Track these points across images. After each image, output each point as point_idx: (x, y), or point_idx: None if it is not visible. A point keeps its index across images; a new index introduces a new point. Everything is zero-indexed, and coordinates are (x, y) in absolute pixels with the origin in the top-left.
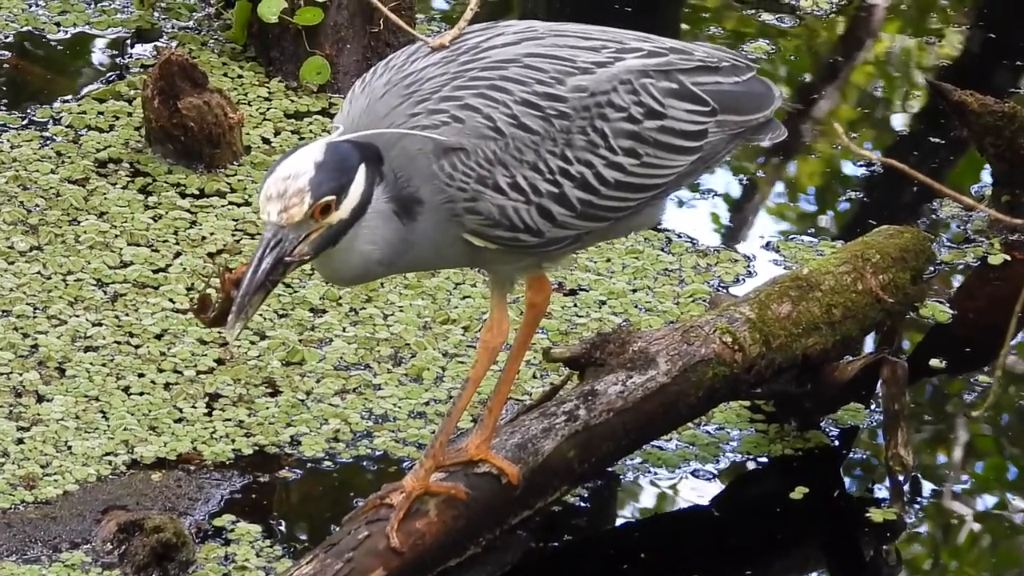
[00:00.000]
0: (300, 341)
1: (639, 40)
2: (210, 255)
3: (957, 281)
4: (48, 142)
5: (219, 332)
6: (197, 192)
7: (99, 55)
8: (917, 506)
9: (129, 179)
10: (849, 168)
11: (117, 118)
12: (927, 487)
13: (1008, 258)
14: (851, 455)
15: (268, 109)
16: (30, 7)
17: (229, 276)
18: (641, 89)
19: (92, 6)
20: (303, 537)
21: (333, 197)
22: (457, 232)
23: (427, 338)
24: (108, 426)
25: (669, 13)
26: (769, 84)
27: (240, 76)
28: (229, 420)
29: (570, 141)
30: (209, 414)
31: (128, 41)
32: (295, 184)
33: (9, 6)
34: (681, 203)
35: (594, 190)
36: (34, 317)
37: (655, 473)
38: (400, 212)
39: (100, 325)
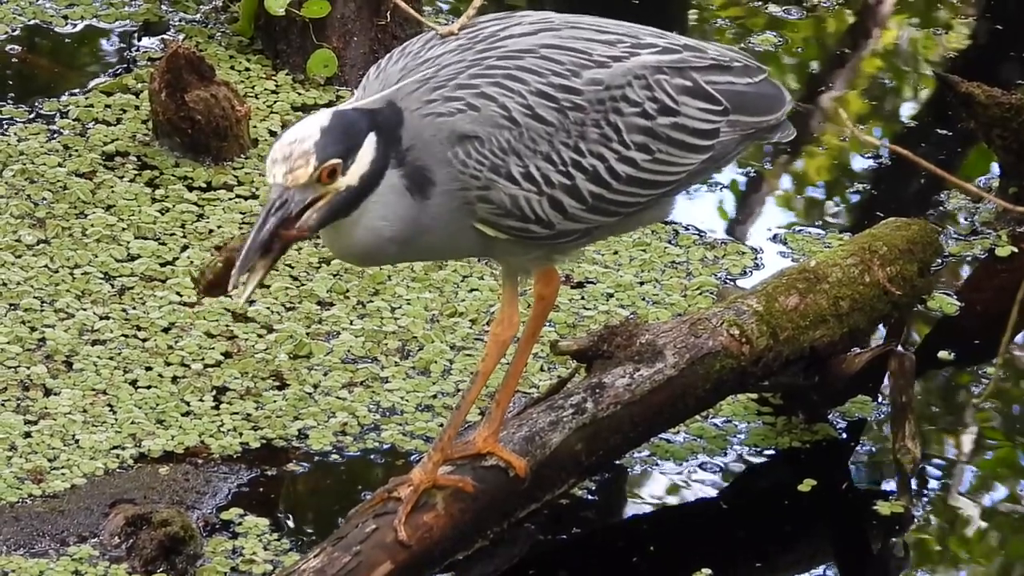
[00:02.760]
0: (307, 334)
1: (654, 36)
2: (217, 248)
3: (965, 273)
4: (55, 135)
5: (221, 299)
6: (204, 185)
7: (106, 48)
8: (925, 498)
9: (136, 172)
10: (856, 160)
11: (124, 111)
12: (935, 479)
13: (1016, 250)
14: (859, 447)
15: (275, 102)
16: (38, 0)
17: (228, 244)
18: (655, 85)
19: None
20: (310, 530)
21: (339, 160)
22: (469, 221)
23: (435, 331)
24: (115, 420)
25: (677, 5)
26: (780, 87)
27: (247, 69)
28: (236, 413)
29: (584, 134)
30: (216, 407)
31: (135, 34)
32: (300, 147)
33: None
34: (689, 195)
35: (606, 184)
36: (41, 310)
37: (663, 466)
38: (412, 188)
39: (107, 318)
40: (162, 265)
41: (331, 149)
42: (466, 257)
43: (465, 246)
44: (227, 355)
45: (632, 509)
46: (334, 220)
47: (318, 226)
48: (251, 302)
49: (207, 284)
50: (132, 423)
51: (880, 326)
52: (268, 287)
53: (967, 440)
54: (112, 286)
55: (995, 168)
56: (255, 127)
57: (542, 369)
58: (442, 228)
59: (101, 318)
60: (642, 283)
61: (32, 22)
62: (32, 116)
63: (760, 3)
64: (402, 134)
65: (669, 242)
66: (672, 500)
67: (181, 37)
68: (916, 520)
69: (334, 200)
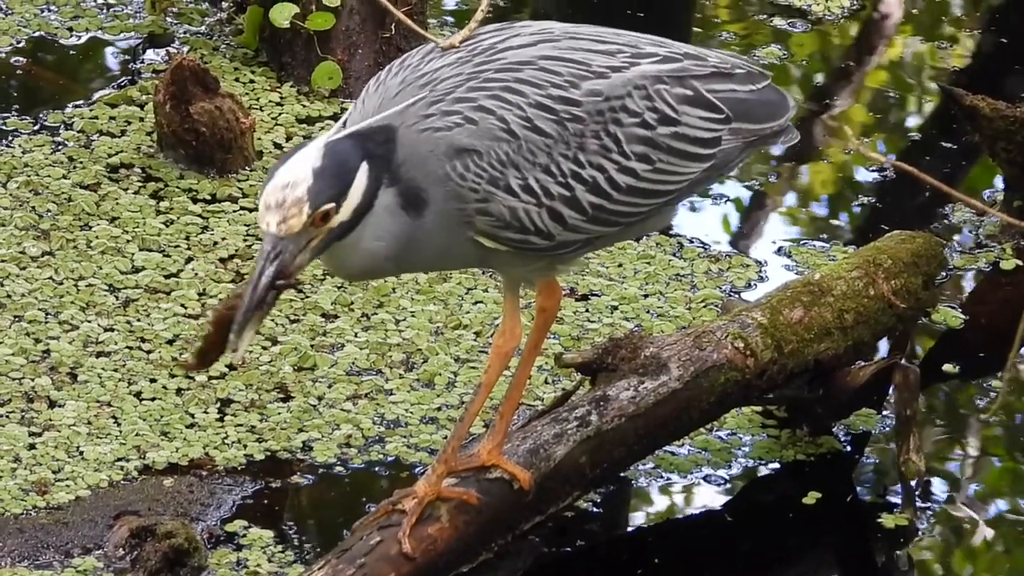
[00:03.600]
0: (312, 346)
1: (654, 45)
2: (222, 260)
3: (969, 286)
4: (60, 147)
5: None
6: (209, 197)
7: (111, 60)
8: (929, 511)
9: (141, 184)
10: (861, 173)
11: (129, 123)
12: (939, 492)
13: (1020, 263)
14: (863, 460)
15: (280, 114)
16: (42, 12)
17: (215, 313)
18: (655, 95)
19: (104, 11)
20: (315, 543)
21: (332, 204)
22: (467, 233)
23: (439, 343)
24: (120, 431)
25: (681, 18)
26: (784, 93)
27: (252, 81)
28: (241, 425)
29: (583, 145)
30: (221, 419)
31: (140, 46)
32: (293, 193)
33: (22, 11)
34: (693, 208)
35: (606, 195)
36: (46, 322)
37: (667, 478)
38: (406, 205)
39: (112, 330)
40: (166, 277)
41: (325, 194)
42: (465, 268)
43: (462, 257)
44: (231, 367)
45: (636, 522)
46: (327, 250)
47: (309, 262)
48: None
49: (201, 356)
50: (136, 435)
51: (884, 339)
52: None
53: (971, 453)
54: (116, 298)
55: (999, 181)
56: (260, 139)
57: (547, 382)
58: (438, 242)
59: (105, 330)
60: (647, 296)
61: (37, 34)
62: (37, 128)
63: (765, 16)
64: (394, 154)
65: (674, 255)
66: (677, 513)
67: (186, 49)
68: (920, 533)
69: (327, 238)
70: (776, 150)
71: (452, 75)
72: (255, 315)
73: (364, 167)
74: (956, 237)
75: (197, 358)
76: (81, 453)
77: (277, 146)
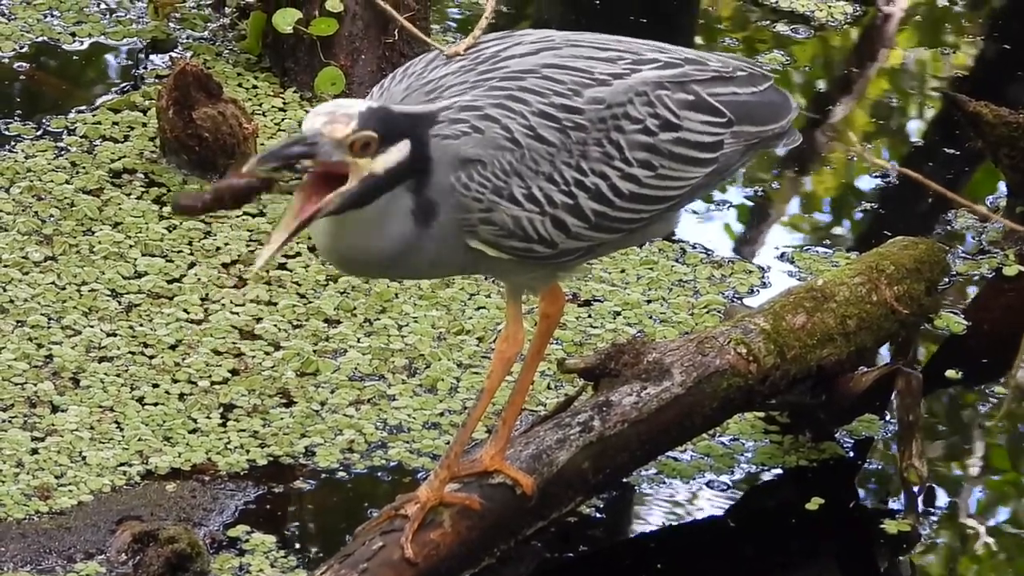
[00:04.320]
0: (315, 352)
1: (655, 51)
2: (224, 266)
3: (972, 292)
4: (63, 152)
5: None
6: None
7: (114, 66)
8: (932, 517)
9: (144, 189)
10: (864, 179)
11: (132, 128)
12: (942, 498)
13: (1023, 269)
14: (866, 466)
15: (283, 119)
16: (45, 17)
17: (219, 183)
18: (657, 101)
19: (107, 17)
20: (317, 548)
21: (376, 135)
22: (469, 242)
23: (442, 349)
24: (123, 436)
25: (684, 24)
26: (786, 94)
27: (255, 87)
28: (244, 431)
29: (586, 153)
30: (224, 425)
31: (143, 52)
32: (345, 110)
33: (24, 16)
34: (696, 214)
35: (609, 202)
36: (48, 327)
37: (670, 484)
38: (418, 213)
39: (114, 335)
40: (169, 282)
41: (372, 123)
42: (454, 275)
43: (460, 265)
44: (234, 372)
45: (639, 527)
46: (347, 210)
47: (337, 210)
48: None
49: (182, 202)
50: (139, 440)
51: (887, 345)
52: (275, 304)
53: (974, 459)
54: (119, 303)
55: (1002, 187)
56: (263, 145)
57: (549, 387)
58: (435, 250)
59: (108, 335)
60: (649, 301)
61: (40, 39)
62: (39, 133)
63: (767, 22)
64: (431, 161)
65: (676, 260)
66: (679, 518)
67: (189, 55)
68: (923, 539)
69: (356, 186)
70: (779, 155)
71: (456, 83)
72: (275, 233)
73: (407, 143)
74: (959, 243)
75: (179, 203)
76: (84, 458)
77: None
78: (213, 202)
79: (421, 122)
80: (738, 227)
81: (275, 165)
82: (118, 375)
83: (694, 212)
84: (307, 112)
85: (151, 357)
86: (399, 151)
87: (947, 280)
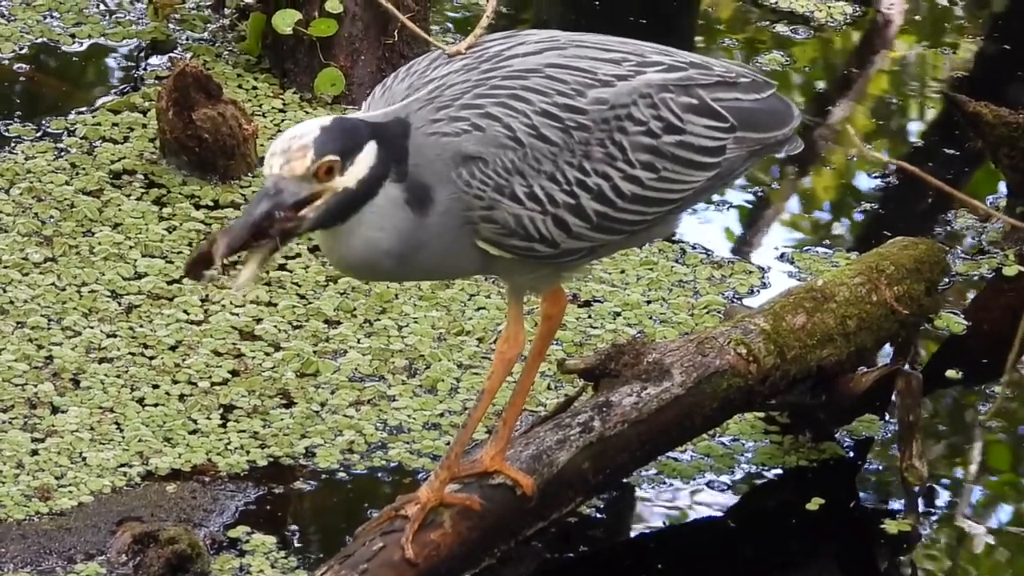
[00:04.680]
0: (315, 352)
1: (659, 53)
2: (225, 267)
3: (972, 293)
4: (63, 154)
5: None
6: (211, 203)
7: (114, 67)
8: (932, 518)
9: (143, 190)
10: (863, 179)
11: (132, 129)
12: (942, 499)
13: (1023, 269)
14: (866, 466)
15: (282, 120)
16: (45, 19)
17: (211, 236)
18: (661, 103)
19: (107, 18)
20: (318, 548)
21: (336, 158)
22: (471, 240)
23: (442, 349)
24: (123, 437)
25: (684, 25)
26: (789, 102)
27: (254, 87)
28: (244, 431)
29: (588, 153)
30: (224, 425)
31: (142, 53)
32: (299, 142)
33: (24, 18)
34: (696, 215)
35: (610, 203)
36: (48, 328)
37: (670, 484)
38: (412, 203)
39: (114, 336)
40: (169, 283)
41: (330, 146)
42: (467, 275)
43: (465, 264)
44: (234, 373)
45: (639, 527)
46: (331, 224)
47: (314, 226)
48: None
49: (190, 262)
50: (139, 441)
51: (887, 345)
52: (275, 305)
53: (974, 459)
54: (119, 304)
55: (1002, 188)
56: (262, 145)
57: (549, 387)
58: (441, 246)
59: (108, 336)
60: (649, 302)
61: (39, 40)
62: (39, 134)
63: (767, 23)
64: (407, 149)
65: (676, 261)
66: (679, 519)
67: (188, 56)
68: (923, 539)
69: (331, 201)
70: (779, 156)
71: (459, 82)
72: (254, 250)
73: (373, 144)
74: (959, 243)
75: (187, 263)
76: (84, 459)
77: None
78: (205, 263)
79: (391, 123)
80: (738, 228)
81: (248, 237)
82: (118, 376)
83: (694, 213)
84: (307, 114)
85: (151, 358)
86: (366, 157)
87: (947, 280)
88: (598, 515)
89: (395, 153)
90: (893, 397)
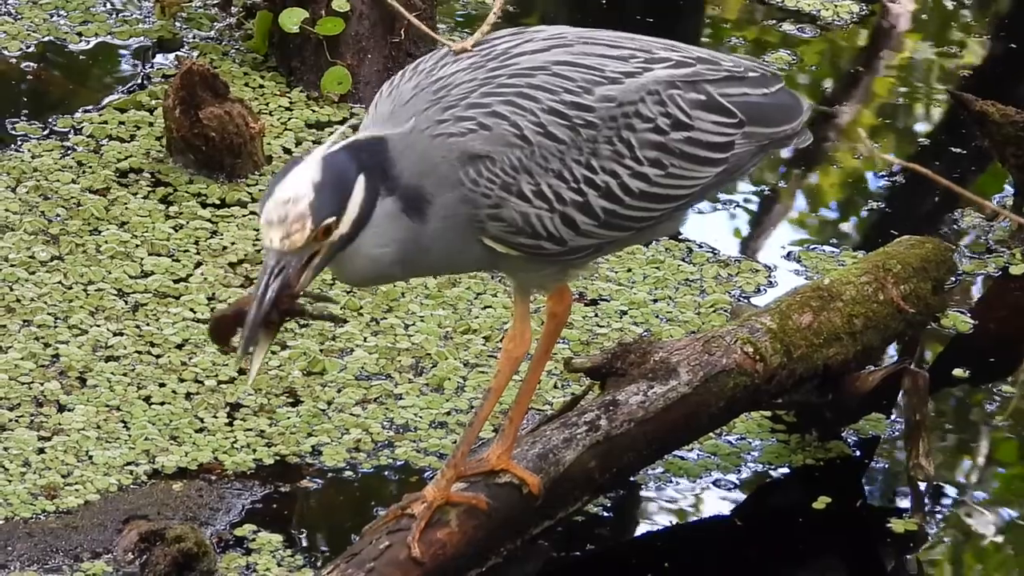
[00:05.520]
0: (321, 351)
1: (667, 49)
2: (231, 265)
3: (978, 291)
4: (69, 152)
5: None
6: (218, 202)
7: (120, 65)
8: (939, 516)
9: (150, 189)
10: (870, 179)
11: (138, 128)
12: (949, 497)
13: None
14: (873, 465)
15: (289, 119)
16: (52, 17)
17: (218, 314)
18: (668, 100)
19: (113, 16)
20: (324, 547)
21: (334, 218)
22: (477, 237)
23: (448, 348)
24: (129, 436)
25: (691, 23)
26: (797, 96)
27: (261, 86)
28: (250, 430)
29: (596, 150)
30: (230, 424)
31: (149, 51)
32: (296, 209)
33: (31, 16)
34: (702, 214)
35: (618, 200)
36: (55, 327)
37: (677, 483)
38: (409, 211)
39: (121, 335)
40: (176, 282)
41: (327, 209)
42: (474, 271)
43: (472, 262)
44: (241, 372)
45: (646, 526)
46: (332, 262)
47: (313, 278)
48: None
49: (215, 334)
50: (146, 439)
51: (894, 344)
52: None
53: (981, 458)
54: (126, 302)
55: (1008, 187)
56: (269, 144)
57: (556, 386)
58: (445, 247)
59: (115, 334)
60: (656, 301)
61: (46, 39)
62: (46, 133)
63: (774, 21)
64: (390, 164)
65: (683, 260)
66: (686, 517)
67: (195, 54)
68: (930, 538)
69: (329, 252)
70: (786, 154)
71: (465, 80)
72: (262, 337)
73: (361, 180)
74: (965, 242)
75: (212, 325)
76: (90, 457)
77: (287, 151)
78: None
79: (367, 144)
80: (745, 226)
81: (267, 331)
82: (125, 374)
83: (700, 211)
84: (313, 112)
85: (158, 356)
86: (357, 197)
87: (954, 279)
88: (605, 514)
89: (380, 172)
90: (900, 396)
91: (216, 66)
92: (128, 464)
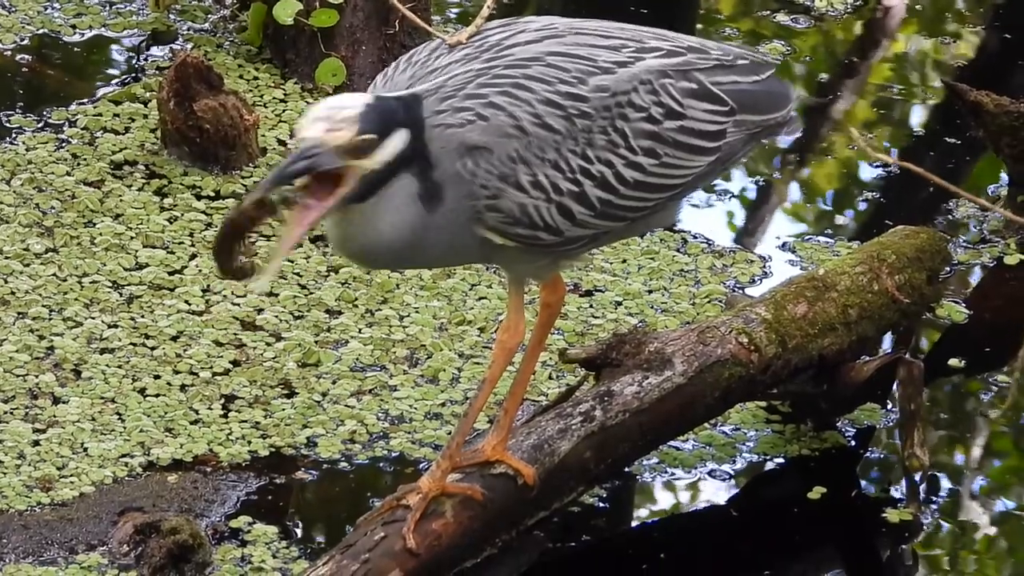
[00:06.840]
0: (316, 342)
1: (658, 39)
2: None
3: (973, 281)
4: (64, 144)
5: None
6: (213, 194)
7: (115, 58)
8: (934, 506)
9: (145, 181)
10: (865, 169)
11: (133, 120)
12: (944, 487)
13: None
14: (868, 455)
15: (284, 111)
16: (46, 9)
17: (225, 221)
18: (661, 89)
19: (107, 9)
20: (319, 538)
21: (375, 138)
22: (475, 229)
23: (443, 339)
24: (124, 428)
25: (684, 14)
26: (786, 83)
27: (256, 78)
28: (245, 422)
29: (591, 141)
30: (225, 416)
31: (144, 43)
32: (344, 112)
33: (25, 8)
34: (697, 204)
35: (614, 189)
36: (50, 319)
37: (672, 473)
38: (424, 198)
39: (116, 327)
40: (170, 274)
41: (374, 124)
42: (468, 263)
43: (467, 254)
44: (236, 363)
45: (641, 517)
46: (347, 205)
47: (335, 206)
48: (261, 303)
49: (219, 247)
50: (141, 431)
51: (888, 334)
52: (276, 295)
53: (976, 448)
54: (120, 295)
55: (1004, 177)
56: (264, 136)
57: (551, 377)
58: (444, 240)
59: (109, 326)
60: (651, 291)
61: (41, 31)
62: (40, 125)
63: (768, 12)
64: (427, 141)
65: (678, 250)
66: (681, 508)
67: (190, 46)
68: (925, 528)
69: (354, 187)
70: (780, 145)
71: (461, 71)
72: (279, 249)
73: (403, 132)
74: (960, 232)
75: (218, 251)
76: (85, 449)
77: (281, 143)
78: (234, 238)
79: (415, 104)
80: (739, 217)
81: (280, 186)
82: (119, 366)
83: (695, 202)
84: (308, 104)
85: (152, 348)
86: (396, 143)
87: (948, 269)
88: (600, 504)
89: (421, 143)
90: (894, 386)
91: (210, 58)
92: (123, 456)
